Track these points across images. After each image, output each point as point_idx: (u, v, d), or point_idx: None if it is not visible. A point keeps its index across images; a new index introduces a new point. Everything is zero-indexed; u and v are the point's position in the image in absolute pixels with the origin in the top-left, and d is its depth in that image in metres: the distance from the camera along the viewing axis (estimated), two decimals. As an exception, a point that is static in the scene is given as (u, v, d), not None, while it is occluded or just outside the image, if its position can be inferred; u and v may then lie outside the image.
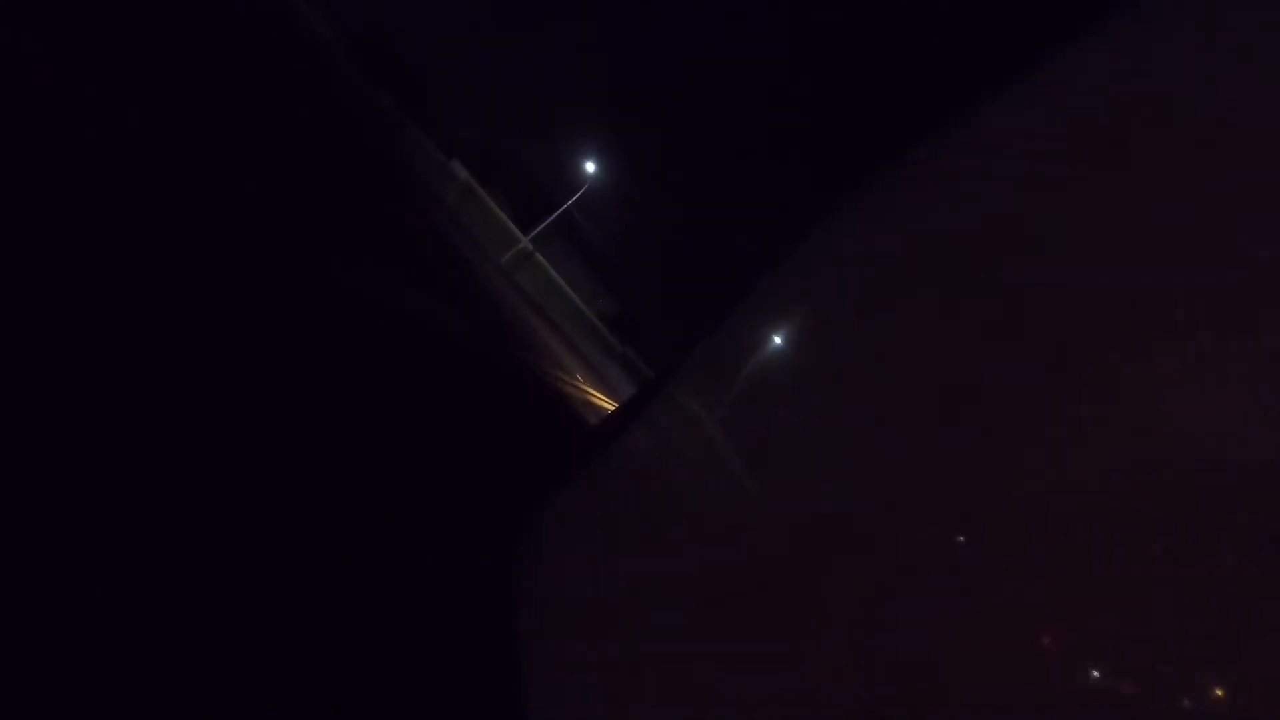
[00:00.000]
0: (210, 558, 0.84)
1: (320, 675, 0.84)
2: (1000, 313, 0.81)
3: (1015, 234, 0.86)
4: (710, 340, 1.33)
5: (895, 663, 0.64)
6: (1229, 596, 0.56)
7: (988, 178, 0.95)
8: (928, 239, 0.91)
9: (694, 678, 0.81)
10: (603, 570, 1.09)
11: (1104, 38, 0.82)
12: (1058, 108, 0.85)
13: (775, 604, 0.74)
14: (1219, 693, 0.54)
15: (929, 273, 0.88)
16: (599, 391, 11.32)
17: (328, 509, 1.16)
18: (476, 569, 1.42)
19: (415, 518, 1.45)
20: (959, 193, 0.92)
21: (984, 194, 0.94)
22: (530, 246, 17.40)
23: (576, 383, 8.55)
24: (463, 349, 3.63)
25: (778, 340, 1.08)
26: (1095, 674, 0.58)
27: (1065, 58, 0.84)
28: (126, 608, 0.70)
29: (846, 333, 1.01)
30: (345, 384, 1.73)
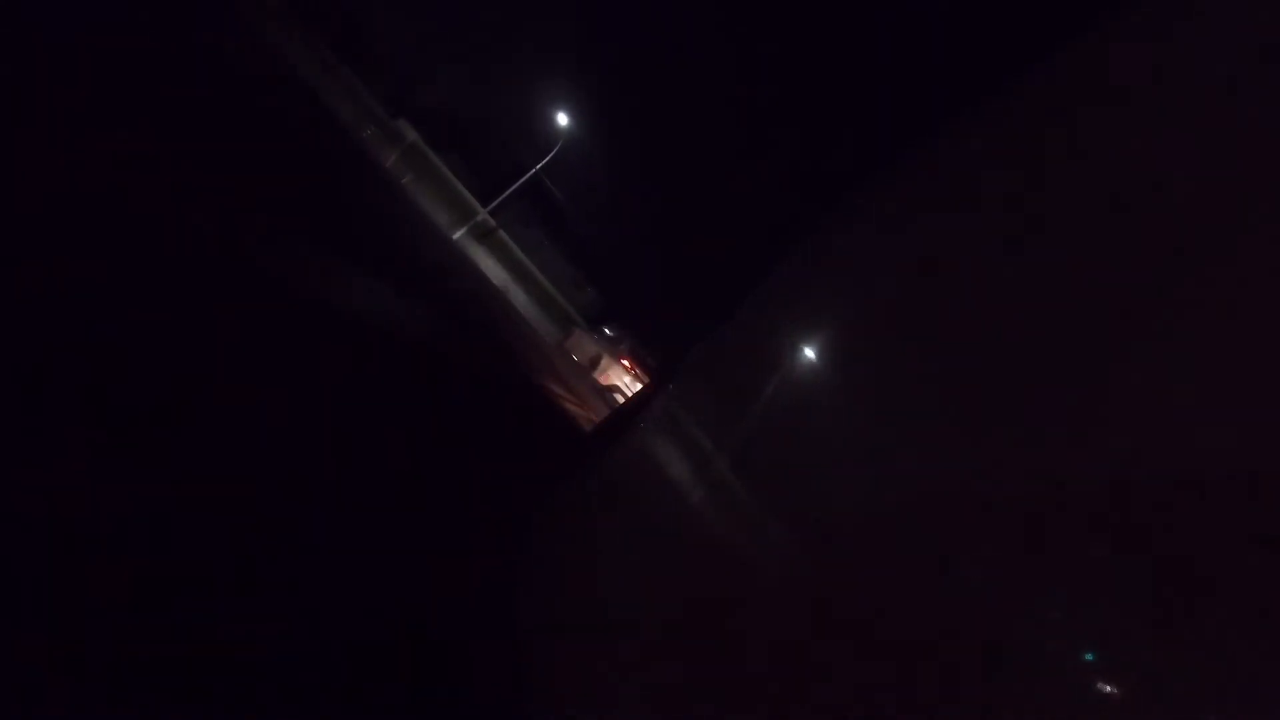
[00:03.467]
0: (208, 559, 0.95)
1: (320, 675, 0.96)
2: (1004, 313, 0.94)
3: (1018, 232, 1.00)
4: (710, 342, 1.45)
5: (896, 665, 0.77)
6: (1229, 597, 0.69)
7: (999, 173, 1.08)
8: (932, 239, 1.04)
9: (694, 682, 0.94)
10: (603, 573, 1.22)
11: (1103, 37, 0.95)
12: (1058, 106, 0.98)
13: (775, 608, 0.87)
14: (1218, 692, 0.68)
15: (936, 274, 1.01)
16: (582, 394, 11.38)
17: (324, 510, 1.27)
18: (476, 568, 1.55)
19: (413, 518, 1.57)
20: (966, 191, 1.05)
21: (998, 190, 1.07)
22: (492, 220, 17.16)
23: (558, 385, 8.63)
24: (425, 342, 3.71)
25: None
26: (1095, 673, 0.71)
27: (1065, 57, 0.97)
28: (121, 608, 0.80)
29: (856, 335, 1.13)
30: (324, 384, 1.82)
